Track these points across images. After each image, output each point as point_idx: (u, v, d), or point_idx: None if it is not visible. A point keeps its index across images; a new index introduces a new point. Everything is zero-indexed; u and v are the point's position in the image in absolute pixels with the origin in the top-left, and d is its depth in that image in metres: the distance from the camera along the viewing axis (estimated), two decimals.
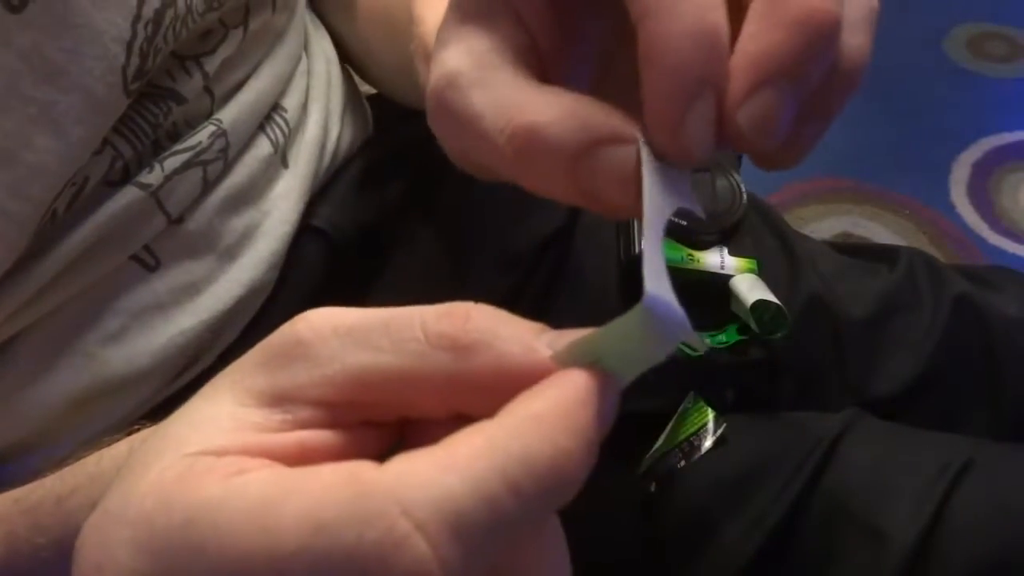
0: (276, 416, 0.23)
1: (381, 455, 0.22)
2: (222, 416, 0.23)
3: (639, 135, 0.24)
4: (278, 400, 0.23)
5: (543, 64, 0.28)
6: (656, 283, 0.21)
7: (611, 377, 0.21)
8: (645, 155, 0.24)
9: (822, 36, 0.23)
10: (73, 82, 0.39)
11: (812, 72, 0.24)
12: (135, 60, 0.41)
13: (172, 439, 0.22)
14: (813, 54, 0.24)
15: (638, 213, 0.24)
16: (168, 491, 0.21)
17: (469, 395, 0.22)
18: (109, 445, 0.35)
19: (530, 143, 0.25)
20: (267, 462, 0.22)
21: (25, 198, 0.39)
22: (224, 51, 0.47)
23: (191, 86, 0.45)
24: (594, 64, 0.30)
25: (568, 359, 0.21)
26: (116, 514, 0.21)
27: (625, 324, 0.21)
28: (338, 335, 0.23)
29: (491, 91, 0.26)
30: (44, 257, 0.41)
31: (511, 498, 0.19)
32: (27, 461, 0.45)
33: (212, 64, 0.46)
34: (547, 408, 0.21)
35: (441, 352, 0.22)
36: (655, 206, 0.24)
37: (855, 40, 0.25)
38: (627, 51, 0.26)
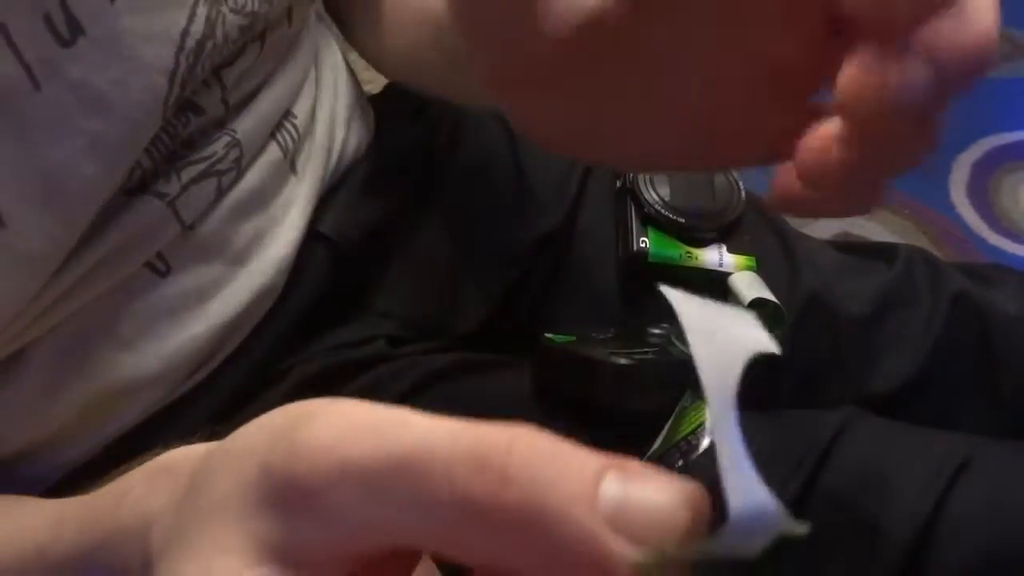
0: None
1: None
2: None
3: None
4: (289, 560, 0.20)
5: None
6: (740, 481, 0.18)
7: None
8: (685, 301, 0.19)
9: (984, 67, 0.25)
10: (119, 113, 0.40)
11: (958, 87, 0.26)
12: (176, 89, 0.42)
13: None
14: (973, 74, 0.25)
15: None
16: None
17: (509, 563, 0.18)
18: (123, 475, 0.34)
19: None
20: None
21: (73, 226, 0.40)
22: (242, 64, 0.47)
23: (210, 98, 0.46)
24: (644, 61, 0.30)
25: (644, 571, 0.17)
26: None
27: (712, 540, 0.18)
28: (348, 482, 0.19)
29: None
30: (66, 268, 0.41)
31: None
32: (41, 463, 0.45)
33: (230, 77, 0.46)
34: None
35: (474, 522, 0.18)
36: (716, 373, 0.19)
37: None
38: (684, 59, 0.27)
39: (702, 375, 0.19)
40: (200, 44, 0.42)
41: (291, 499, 0.20)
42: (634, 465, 0.18)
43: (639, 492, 0.17)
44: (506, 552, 0.18)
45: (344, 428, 0.19)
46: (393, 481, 0.18)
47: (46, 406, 0.43)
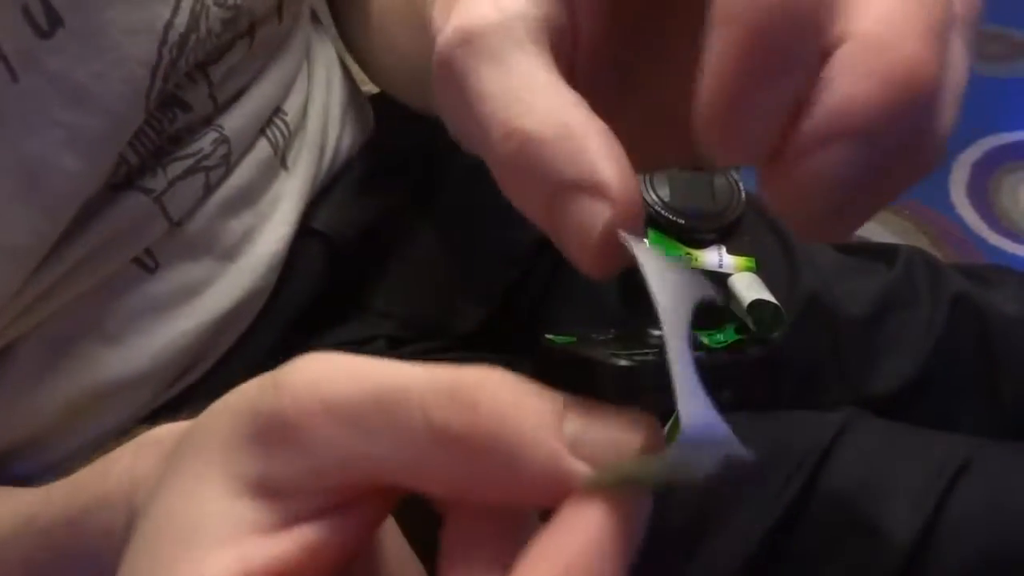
0: (273, 512, 0.21)
1: (381, 521, 0.22)
2: (219, 515, 0.21)
3: (632, 199, 0.21)
4: (270, 490, 0.21)
5: (572, 56, 0.24)
6: (691, 403, 0.19)
7: (644, 501, 0.20)
8: (642, 248, 0.21)
9: (918, 99, 0.19)
10: (99, 105, 0.39)
11: (892, 138, 0.20)
12: (158, 83, 0.41)
13: (168, 549, 0.21)
14: (903, 117, 0.19)
15: (600, 277, 0.22)
16: None
17: (479, 490, 0.20)
18: (111, 450, 0.35)
19: (519, 155, 0.22)
20: None
21: (54, 219, 0.40)
22: (229, 60, 0.47)
23: (197, 94, 0.45)
24: (620, 75, 0.26)
25: (598, 485, 0.19)
26: None
27: (663, 457, 0.19)
28: (328, 416, 0.20)
29: (506, 71, 0.22)
30: (50, 263, 0.41)
31: None
32: (25, 464, 0.45)
33: (217, 73, 0.46)
34: (579, 562, 0.19)
35: (444, 451, 0.20)
36: (671, 307, 0.20)
37: (942, 117, 0.21)
38: (660, 71, 0.24)
39: (658, 307, 0.20)
40: (184, 37, 0.42)
41: (274, 434, 0.21)
42: (592, 402, 0.20)
43: (597, 421, 0.20)
44: (475, 480, 0.20)
45: (326, 369, 0.21)
46: (371, 413, 0.20)
47: (32, 402, 0.43)
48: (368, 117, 0.59)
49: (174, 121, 0.45)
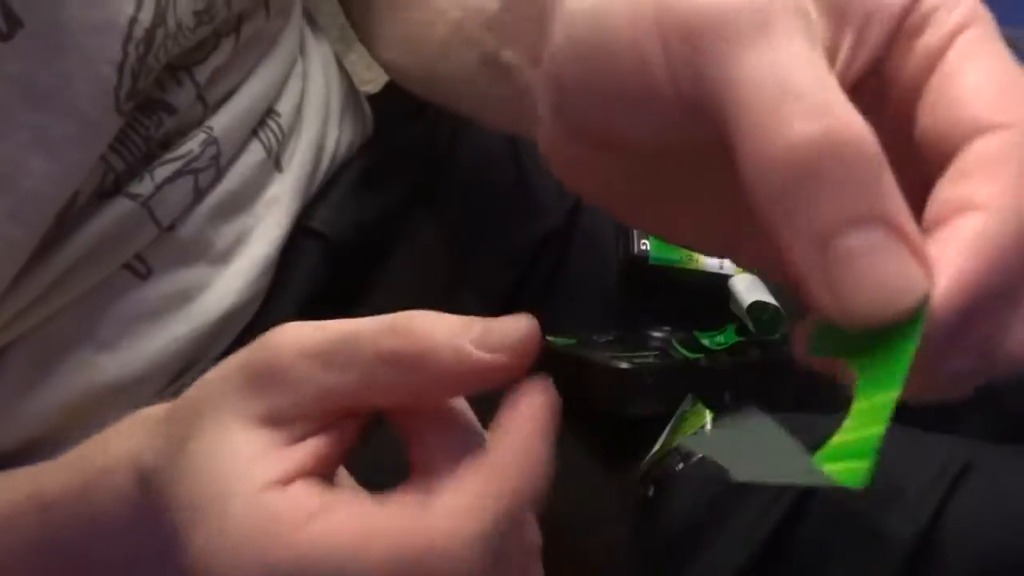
0: (281, 434, 0.29)
1: (365, 428, 0.30)
2: (247, 444, 0.28)
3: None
4: (275, 421, 0.29)
5: None
6: None
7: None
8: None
9: None
10: (65, 106, 0.39)
11: None
12: (127, 81, 0.41)
13: (221, 474, 0.28)
14: None
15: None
16: (267, 540, 0.27)
17: (426, 395, 0.29)
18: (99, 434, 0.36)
19: (819, 160, 0.20)
20: (314, 488, 0.28)
21: (26, 223, 0.39)
22: (216, 60, 0.46)
23: (183, 97, 0.45)
24: None
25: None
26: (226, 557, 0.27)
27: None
28: (304, 358, 0.28)
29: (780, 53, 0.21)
30: (37, 271, 0.41)
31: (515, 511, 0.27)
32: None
33: (203, 74, 0.45)
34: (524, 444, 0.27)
35: (392, 368, 0.28)
36: None
37: None
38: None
39: None
40: (150, 33, 0.41)
41: (264, 378, 0.29)
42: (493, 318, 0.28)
43: (495, 323, 0.28)
44: (416, 386, 0.28)
45: (299, 327, 0.29)
46: (335, 351, 0.28)
47: (28, 407, 0.43)
48: (367, 117, 0.59)
49: (160, 125, 0.44)
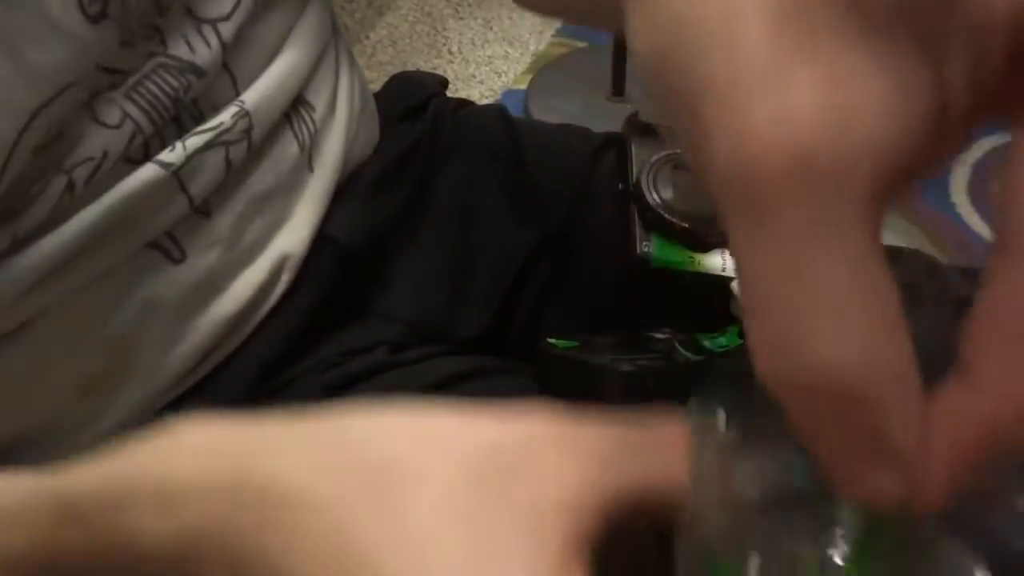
0: None
1: None
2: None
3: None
4: None
5: (923, 152, 0.18)
6: None
7: None
8: None
9: None
10: (29, 3, 0.37)
11: None
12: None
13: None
14: None
15: None
16: None
17: None
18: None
19: (828, 394, 0.18)
20: None
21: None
22: (239, 16, 0.46)
23: (209, 57, 0.45)
24: None
25: None
26: None
27: None
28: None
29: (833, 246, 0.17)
30: (61, 230, 0.41)
31: None
32: (32, 457, 0.45)
33: (228, 30, 0.45)
34: None
35: None
36: None
37: None
38: None
39: None
40: None
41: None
42: None
43: None
44: None
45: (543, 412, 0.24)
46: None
47: (44, 386, 0.43)
48: (376, 120, 0.59)
49: (189, 89, 0.44)
